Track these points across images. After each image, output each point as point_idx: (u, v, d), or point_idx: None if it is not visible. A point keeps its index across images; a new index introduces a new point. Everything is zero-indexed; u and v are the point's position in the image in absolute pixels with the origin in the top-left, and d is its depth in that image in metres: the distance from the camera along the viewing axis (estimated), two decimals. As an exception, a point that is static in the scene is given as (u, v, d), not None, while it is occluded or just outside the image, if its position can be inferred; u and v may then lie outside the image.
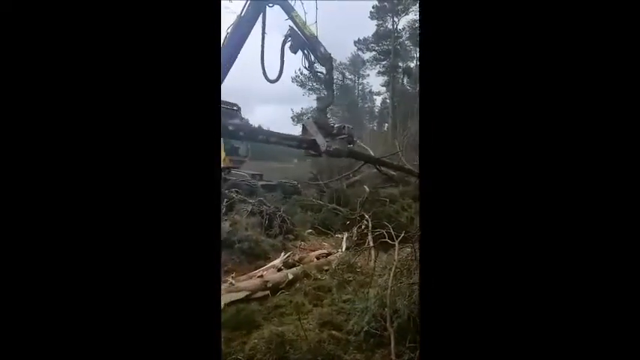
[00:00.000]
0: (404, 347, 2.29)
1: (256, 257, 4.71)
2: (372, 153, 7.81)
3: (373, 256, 4.23)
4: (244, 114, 9.93)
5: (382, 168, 6.94)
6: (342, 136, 5.22)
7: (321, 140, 4.94)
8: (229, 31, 5.29)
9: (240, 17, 5.27)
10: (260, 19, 5.31)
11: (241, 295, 3.36)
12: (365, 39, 28.44)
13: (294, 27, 5.14)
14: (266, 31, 5.40)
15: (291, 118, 29.07)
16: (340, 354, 2.43)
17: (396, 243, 3.43)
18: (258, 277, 3.73)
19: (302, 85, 27.92)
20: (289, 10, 5.13)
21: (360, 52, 29.62)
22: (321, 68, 5.28)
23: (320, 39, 5.08)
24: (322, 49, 5.03)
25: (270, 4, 5.26)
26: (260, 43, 5.42)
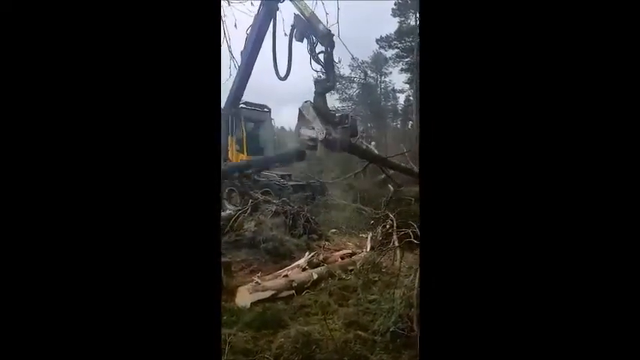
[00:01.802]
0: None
1: (281, 257, 4.74)
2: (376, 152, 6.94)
3: (399, 256, 4.17)
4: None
5: (389, 171, 6.25)
6: (345, 126, 4.61)
7: (319, 127, 4.43)
8: (248, 32, 5.30)
9: (256, 17, 5.26)
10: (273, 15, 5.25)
11: (267, 294, 3.40)
12: (387, 36, 28.01)
13: (297, 12, 4.96)
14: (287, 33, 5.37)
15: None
16: (367, 354, 2.42)
17: (422, 243, 3.36)
18: (284, 276, 3.76)
19: (327, 85, 27.80)
20: None
21: (382, 50, 29.29)
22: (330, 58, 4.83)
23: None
24: (321, 27, 4.67)
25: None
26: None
